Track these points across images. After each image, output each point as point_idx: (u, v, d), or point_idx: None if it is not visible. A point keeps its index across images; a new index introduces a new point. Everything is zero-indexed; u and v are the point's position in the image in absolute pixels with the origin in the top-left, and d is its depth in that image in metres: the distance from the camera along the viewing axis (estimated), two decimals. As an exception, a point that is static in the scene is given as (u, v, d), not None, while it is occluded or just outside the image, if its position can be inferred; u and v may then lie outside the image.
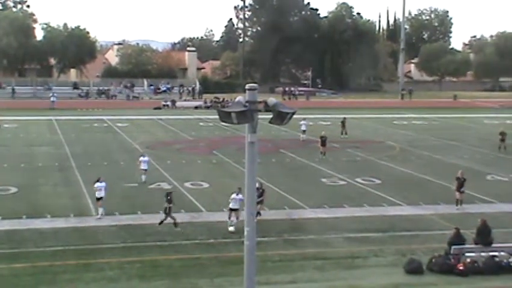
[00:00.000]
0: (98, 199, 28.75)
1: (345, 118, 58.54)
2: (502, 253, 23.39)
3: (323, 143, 45.32)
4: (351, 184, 36.96)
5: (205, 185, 35.88)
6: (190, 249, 24.85)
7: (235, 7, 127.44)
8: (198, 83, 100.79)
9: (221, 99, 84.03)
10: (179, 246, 25.16)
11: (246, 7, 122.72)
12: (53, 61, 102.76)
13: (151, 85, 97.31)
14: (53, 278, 21.60)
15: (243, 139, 12.02)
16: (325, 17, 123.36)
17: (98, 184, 28.98)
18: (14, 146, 48.94)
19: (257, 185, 21.58)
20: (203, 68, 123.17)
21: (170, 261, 23.46)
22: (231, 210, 27.16)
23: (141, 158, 36.57)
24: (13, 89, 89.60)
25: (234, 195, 27.24)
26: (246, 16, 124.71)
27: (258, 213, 26.36)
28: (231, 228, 26.63)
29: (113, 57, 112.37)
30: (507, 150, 48.42)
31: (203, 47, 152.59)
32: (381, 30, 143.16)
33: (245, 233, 13.00)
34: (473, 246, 23.63)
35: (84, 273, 22.01)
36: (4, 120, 63.38)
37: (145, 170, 36.11)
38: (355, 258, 24.03)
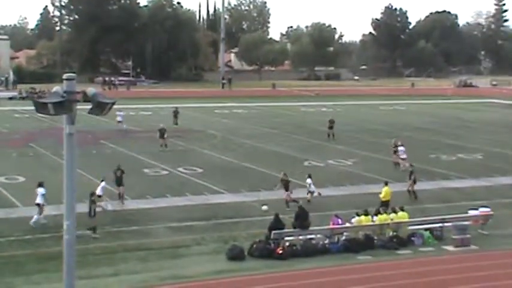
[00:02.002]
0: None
1: (176, 108, 58.46)
2: (319, 235, 24.65)
3: (162, 135, 44.80)
4: (173, 174, 37.12)
5: (22, 178, 34.44)
6: (4, 246, 23.77)
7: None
8: (11, 73, 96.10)
9: (37, 90, 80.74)
10: (-6, 244, 24.00)
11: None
12: None
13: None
14: None
15: (61, 130, 11.68)
16: (145, 6, 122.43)
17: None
18: None
19: None
20: (17, 58, 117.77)
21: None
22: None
23: None
24: None
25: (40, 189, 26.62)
26: (63, 3, 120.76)
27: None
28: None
29: None
30: (335, 138, 50.13)
31: (16, 35, 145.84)
32: (201, 20, 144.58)
33: (64, 226, 12.66)
34: (292, 230, 24.62)
35: None
36: None
37: None
38: (179, 248, 24.20)
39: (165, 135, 44.95)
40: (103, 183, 28.66)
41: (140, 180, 35.18)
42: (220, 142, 49.41)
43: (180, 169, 38.01)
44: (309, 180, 30.88)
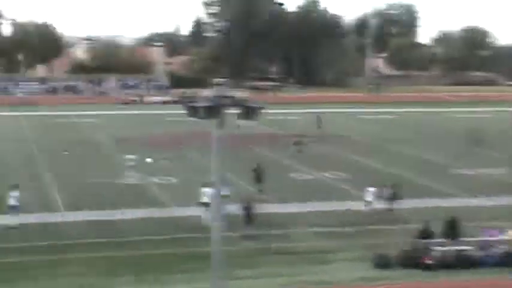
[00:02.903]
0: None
1: (320, 113, 59.04)
2: (470, 247, 23.46)
3: (298, 142, 45.23)
4: (318, 178, 37.15)
5: (173, 179, 35.85)
6: (158, 244, 24.85)
7: (202, 2, 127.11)
8: (166, 78, 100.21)
9: (188, 95, 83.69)
10: (146, 241, 25.13)
11: (214, 2, 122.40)
12: (20, 57, 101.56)
13: (119, 80, 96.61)
14: (24, 274, 21.41)
15: (211, 134, 12.09)
16: (293, 11, 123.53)
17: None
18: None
19: None
20: (171, 63, 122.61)
21: (137, 257, 23.38)
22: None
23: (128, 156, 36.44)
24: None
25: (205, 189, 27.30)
26: (214, 11, 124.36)
27: None
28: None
29: (80, 53, 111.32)
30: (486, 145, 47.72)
31: (171, 42, 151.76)
32: (349, 24, 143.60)
33: (212, 228, 13.07)
34: (440, 240, 23.68)
35: (54, 268, 21.94)
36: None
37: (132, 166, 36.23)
38: (323, 253, 24.14)
39: (301, 142, 45.17)
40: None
41: (285, 184, 35.55)
42: (365, 148, 48.92)
43: (325, 174, 38.03)
44: None
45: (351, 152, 46.51)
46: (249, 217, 26.00)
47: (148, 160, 40.53)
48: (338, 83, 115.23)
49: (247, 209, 26.14)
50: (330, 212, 29.84)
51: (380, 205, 29.05)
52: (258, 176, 32.93)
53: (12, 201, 27.13)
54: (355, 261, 23.29)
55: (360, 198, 30.51)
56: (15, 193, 27.35)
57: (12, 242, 24.60)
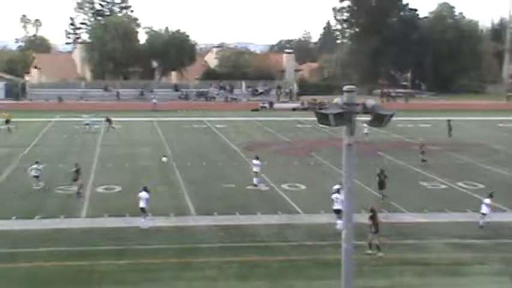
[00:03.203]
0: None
1: (449, 120, 57.60)
2: None
3: (422, 151, 44.14)
4: (452, 188, 36.03)
5: (302, 186, 35.88)
6: (288, 250, 24.91)
7: (333, 9, 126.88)
8: (295, 85, 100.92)
9: (318, 101, 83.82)
10: (276, 247, 25.27)
11: (344, 8, 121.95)
12: (154, 64, 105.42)
13: (249, 87, 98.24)
14: (155, 275, 22.14)
15: (340, 141, 11.94)
16: (425, 17, 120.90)
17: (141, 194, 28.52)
18: (118, 146, 50.59)
19: None
20: (301, 70, 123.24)
21: (268, 262, 23.57)
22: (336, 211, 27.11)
23: (254, 161, 36.81)
24: (118, 92, 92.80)
25: (336, 195, 27.22)
26: (344, 18, 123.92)
27: None
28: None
29: (212, 60, 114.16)
30: None
31: (301, 49, 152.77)
32: (485, 30, 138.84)
33: (343, 235, 12.94)
34: None
35: (185, 271, 22.47)
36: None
37: (256, 172, 36.29)
38: (458, 265, 23.35)
39: (423, 150, 43.85)
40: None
41: (417, 193, 34.75)
42: (504, 157, 46.89)
43: (460, 183, 36.77)
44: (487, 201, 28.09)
45: (488, 161, 44.75)
46: (375, 225, 25.53)
47: (164, 159, 42.07)
48: (473, 90, 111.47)
49: (373, 217, 25.70)
50: (464, 223, 28.78)
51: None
52: (381, 182, 32.50)
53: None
54: (492, 275, 22.31)
55: (498, 210, 29.19)
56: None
57: (146, 244, 25.44)
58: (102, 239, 26.00)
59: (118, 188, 35.04)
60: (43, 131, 58.55)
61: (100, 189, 34.75)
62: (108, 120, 60.46)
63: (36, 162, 35.63)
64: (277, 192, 34.47)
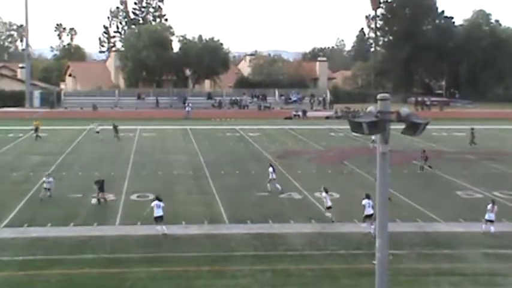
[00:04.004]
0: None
1: (472, 128, 57.01)
2: None
3: (425, 158, 43.80)
4: (488, 198, 35.48)
5: (336, 195, 35.67)
6: (321, 259, 24.75)
7: (366, 17, 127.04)
8: (328, 93, 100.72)
9: (351, 110, 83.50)
10: (310, 256, 25.13)
11: (378, 16, 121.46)
12: (188, 72, 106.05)
13: (282, 95, 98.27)
14: (188, 283, 22.17)
15: (374, 150, 11.84)
16: (461, 25, 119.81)
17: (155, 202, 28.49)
18: (152, 154, 50.89)
19: None
20: (334, 78, 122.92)
21: (301, 271, 23.45)
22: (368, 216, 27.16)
23: (270, 169, 36.88)
24: (157, 100, 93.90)
25: (366, 200, 27.39)
26: (378, 25, 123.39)
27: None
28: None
29: (245, 68, 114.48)
30: None
31: (334, 57, 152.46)
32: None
33: (377, 244, 12.81)
34: None
35: (218, 279, 22.45)
36: (144, 129, 66.39)
37: (273, 179, 36.56)
38: (495, 276, 22.99)
39: (425, 156, 43.55)
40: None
41: (453, 202, 34.33)
42: (541, 166, 46.17)
43: (496, 193, 36.22)
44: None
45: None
46: None
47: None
48: (509, 99, 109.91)
49: None
50: (501, 232, 28.33)
51: None
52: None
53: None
54: (529, 287, 21.94)
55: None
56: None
57: (178, 252, 25.50)
58: (135, 247, 26.14)
59: (151, 196, 35.17)
60: (78, 139, 59.16)
61: (133, 197, 34.97)
62: (115, 128, 59.75)
63: (48, 175, 35.30)
64: (310, 201, 34.33)
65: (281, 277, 22.79)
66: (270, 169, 36.94)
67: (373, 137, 50.87)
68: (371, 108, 12.30)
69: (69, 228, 28.73)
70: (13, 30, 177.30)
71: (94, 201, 33.61)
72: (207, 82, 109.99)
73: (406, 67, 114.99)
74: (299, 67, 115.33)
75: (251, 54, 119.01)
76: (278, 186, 36.36)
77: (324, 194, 30.68)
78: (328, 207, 30.22)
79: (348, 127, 12.43)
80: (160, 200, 28.30)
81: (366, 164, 44.04)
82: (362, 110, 74.94)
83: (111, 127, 60.28)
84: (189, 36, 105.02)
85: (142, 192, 36.02)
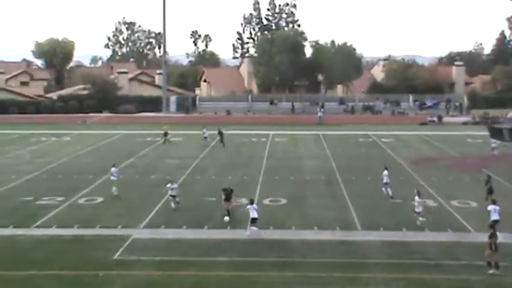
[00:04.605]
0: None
1: None
2: None
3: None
4: None
5: (474, 204, 34.30)
6: (458, 270, 23.84)
7: (507, 19, 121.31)
8: (465, 98, 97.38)
9: (490, 115, 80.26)
10: (446, 266, 24.27)
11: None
12: (320, 77, 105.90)
13: (416, 100, 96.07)
14: (320, 289, 22.02)
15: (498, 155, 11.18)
16: None
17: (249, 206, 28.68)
18: (284, 159, 51.15)
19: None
20: (472, 83, 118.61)
21: (437, 281, 22.68)
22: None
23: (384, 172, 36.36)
24: (293, 105, 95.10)
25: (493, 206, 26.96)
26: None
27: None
28: None
29: (378, 73, 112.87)
30: None
31: (472, 61, 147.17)
32: None
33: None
34: None
35: (350, 286, 22.13)
36: (276, 135, 66.99)
37: (387, 183, 36.12)
38: None
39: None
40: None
41: None
42: None
43: None
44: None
45: None
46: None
47: None
48: None
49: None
50: None
51: None
52: (490, 189, 30.74)
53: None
54: None
55: None
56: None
57: (312, 257, 25.37)
58: (267, 250, 26.26)
59: (284, 201, 35.35)
60: (212, 143, 60.43)
61: (266, 201, 35.20)
62: (220, 133, 59.45)
63: (171, 182, 34.60)
64: (447, 209, 33.21)
65: (415, 287, 22.13)
66: (385, 172, 36.11)
67: (493, 144, 48.97)
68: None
69: (203, 231, 29.33)
70: (152, 38, 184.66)
71: (242, 200, 33.75)
72: (339, 87, 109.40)
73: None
74: (434, 72, 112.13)
75: (385, 59, 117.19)
76: (390, 191, 35.59)
77: (416, 198, 30.01)
78: (417, 213, 29.54)
79: (486, 133, 11.82)
80: (252, 204, 28.63)
81: (507, 172, 42.08)
82: (502, 115, 71.89)
83: (217, 132, 60.33)
84: (322, 42, 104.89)
85: (275, 197, 36.21)
